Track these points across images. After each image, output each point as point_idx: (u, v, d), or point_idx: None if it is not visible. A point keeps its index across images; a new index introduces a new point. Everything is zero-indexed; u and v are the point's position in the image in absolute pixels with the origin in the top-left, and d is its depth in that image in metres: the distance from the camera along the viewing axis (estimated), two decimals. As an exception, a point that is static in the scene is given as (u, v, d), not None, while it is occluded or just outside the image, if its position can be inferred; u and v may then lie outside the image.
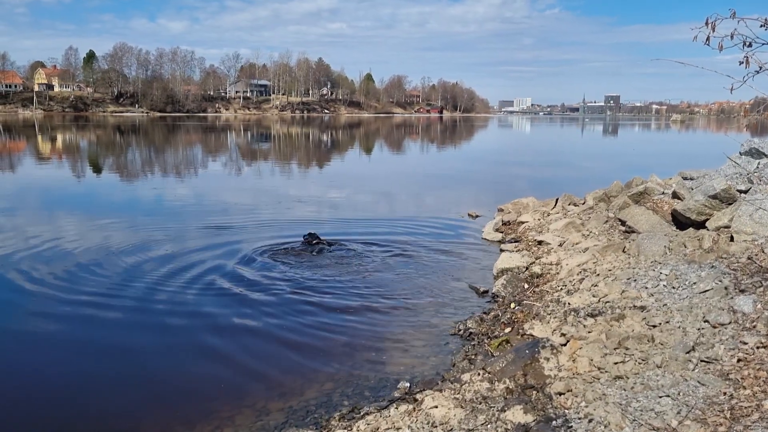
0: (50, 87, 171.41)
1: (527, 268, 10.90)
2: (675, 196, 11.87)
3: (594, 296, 8.15)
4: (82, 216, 16.86)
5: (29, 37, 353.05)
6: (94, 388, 6.81)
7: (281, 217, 16.64)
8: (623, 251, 9.84)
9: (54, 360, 7.56)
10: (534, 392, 5.67)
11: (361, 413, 5.99)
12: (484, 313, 9.07)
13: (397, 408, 5.88)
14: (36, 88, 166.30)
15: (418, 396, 6.13)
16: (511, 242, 13.37)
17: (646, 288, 7.79)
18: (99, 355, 7.70)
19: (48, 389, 6.77)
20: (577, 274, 9.51)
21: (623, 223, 11.63)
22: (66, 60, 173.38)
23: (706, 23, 5.33)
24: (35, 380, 6.99)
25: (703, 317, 6.44)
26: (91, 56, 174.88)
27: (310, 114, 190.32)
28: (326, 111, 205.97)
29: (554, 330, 7.32)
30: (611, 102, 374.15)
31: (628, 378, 5.58)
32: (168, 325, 8.62)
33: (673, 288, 7.52)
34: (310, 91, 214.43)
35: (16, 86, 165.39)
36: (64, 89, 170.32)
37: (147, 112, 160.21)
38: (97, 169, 32.40)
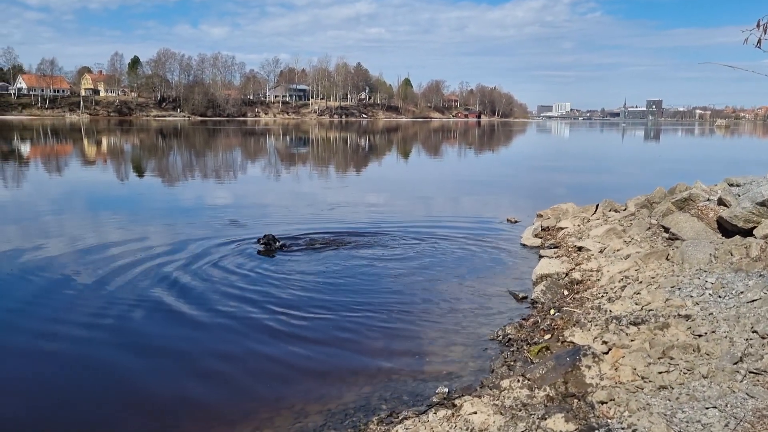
0: (96, 92, 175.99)
1: (567, 275, 10.76)
2: (721, 202, 11.57)
3: (636, 304, 8.00)
4: (123, 216, 17.22)
5: (77, 44, 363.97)
6: (141, 386, 6.93)
7: (319, 219, 16.72)
8: (667, 259, 9.63)
9: (108, 351, 7.74)
10: (575, 400, 5.59)
11: (400, 417, 5.98)
12: (523, 319, 8.98)
13: (435, 413, 5.86)
14: (83, 93, 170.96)
15: (456, 401, 6.10)
16: (551, 248, 13.22)
17: (691, 296, 7.62)
18: (144, 352, 7.84)
19: (99, 379, 6.94)
20: (619, 282, 9.35)
21: (667, 230, 11.39)
22: (111, 65, 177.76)
23: (758, 25, 5.21)
24: (105, 372, 7.17)
25: (752, 327, 6.26)
26: (135, 62, 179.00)
27: (348, 118, 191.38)
28: (364, 115, 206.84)
29: (595, 338, 7.20)
30: (653, 107, 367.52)
31: (673, 388, 5.45)
32: (207, 325, 8.74)
33: (719, 297, 7.33)
34: (349, 96, 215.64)
35: (63, 91, 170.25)
36: (110, 94, 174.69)
37: (188, 117, 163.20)
38: (140, 172, 33.13)
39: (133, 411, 6.35)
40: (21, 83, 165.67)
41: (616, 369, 6.01)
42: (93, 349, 7.93)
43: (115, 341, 8.19)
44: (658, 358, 6.04)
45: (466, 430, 5.37)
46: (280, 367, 7.39)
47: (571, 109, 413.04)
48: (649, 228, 12.06)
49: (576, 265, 11.28)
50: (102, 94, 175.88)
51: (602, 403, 5.40)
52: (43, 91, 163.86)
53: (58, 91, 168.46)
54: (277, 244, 13.16)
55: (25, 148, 50.85)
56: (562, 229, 14.83)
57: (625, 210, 14.78)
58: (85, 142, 62.33)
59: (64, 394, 6.77)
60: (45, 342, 8.10)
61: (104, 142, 62.91)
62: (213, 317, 9.07)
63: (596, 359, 6.24)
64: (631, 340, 6.72)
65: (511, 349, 7.79)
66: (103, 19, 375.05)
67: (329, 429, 5.90)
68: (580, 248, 12.39)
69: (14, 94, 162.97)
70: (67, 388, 6.92)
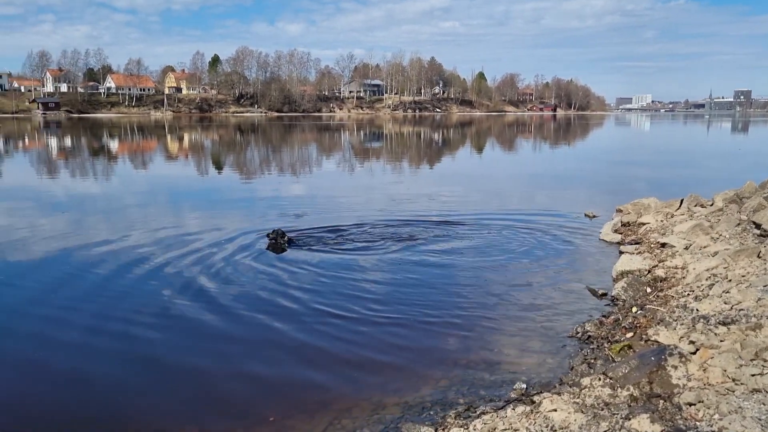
0: (179, 90, 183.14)
1: (649, 272, 10.40)
2: (819, 197, 10.91)
3: (726, 303, 7.65)
4: (199, 208, 17.81)
5: (161, 44, 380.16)
6: (219, 375, 7.16)
7: (391, 210, 16.78)
8: (758, 256, 9.16)
9: (176, 338, 8.05)
10: (661, 401, 5.41)
11: (477, 412, 5.94)
12: (603, 316, 8.75)
13: (514, 409, 5.79)
14: (166, 91, 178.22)
15: (535, 398, 6.01)
16: (632, 244, 12.81)
17: (787, 296, 7.22)
18: (223, 340, 8.09)
19: (161, 367, 7.23)
20: (706, 280, 8.96)
21: (758, 226, 10.82)
22: (193, 64, 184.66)
23: None
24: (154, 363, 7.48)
25: None
26: (215, 60, 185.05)
27: (421, 113, 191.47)
28: (438, 110, 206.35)
29: (681, 337, 6.93)
30: (741, 97, 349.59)
31: (767, 392, 5.19)
32: (283, 314, 8.93)
33: (819, 297, 6.92)
34: (422, 90, 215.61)
35: (149, 89, 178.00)
36: (191, 91, 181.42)
37: (265, 112, 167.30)
38: (218, 166, 34.24)
39: (213, 401, 6.55)
40: (110, 83, 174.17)
41: (704, 370, 5.77)
42: (177, 334, 8.27)
43: (187, 328, 8.50)
44: (751, 360, 5.76)
45: (546, 427, 5.28)
46: (356, 358, 7.47)
47: (652, 101, 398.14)
48: (739, 224, 11.49)
49: (659, 261, 10.89)
50: (184, 91, 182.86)
51: (690, 404, 5.20)
52: (129, 89, 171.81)
53: (143, 89, 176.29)
54: (285, 238, 13.13)
55: (113, 144, 53.40)
56: (643, 224, 14.34)
57: (712, 205, 14.13)
58: (168, 138, 64.91)
59: (148, 381, 7.08)
60: (111, 324, 8.49)
61: (186, 138, 65.32)
62: (289, 306, 9.26)
63: (683, 359, 6.01)
64: (721, 341, 6.43)
65: (591, 347, 7.61)
66: (185, 19, 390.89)
67: (407, 421, 5.93)
68: (663, 244, 11.95)
69: (104, 93, 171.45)
70: (150, 374, 7.23)
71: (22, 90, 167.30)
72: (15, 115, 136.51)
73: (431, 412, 6.11)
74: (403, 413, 6.13)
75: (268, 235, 13.26)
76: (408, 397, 6.45)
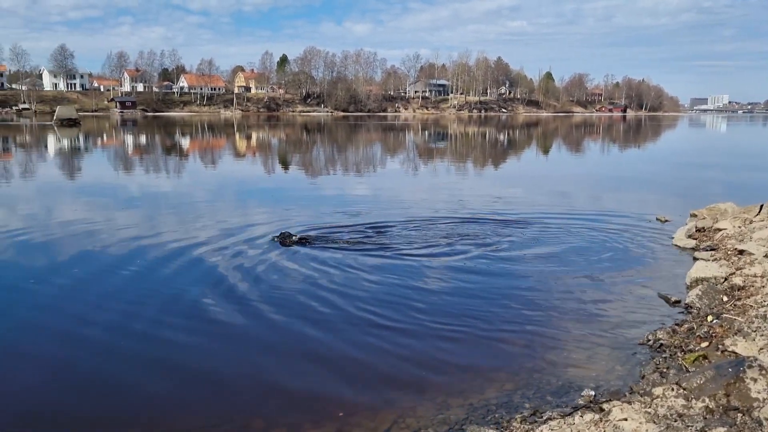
0: (248, 89, 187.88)
1: (726, 279, 9.99)
2: None
3: (810, 315, 7.28)
4: (263, 205, 18.17)
5: (232, 44, 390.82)
6: (281, 373, 7.29)
7: (456, 209, 16.69)
8: None
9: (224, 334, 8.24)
10: (739, 415, 5.19)
11: (544, 418, 5.85)
12: (677, 324, 8.46)
13: (582, 416, 5.67)
14: (236, 91, 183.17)
15: (604, 406, 5.87)
16: (707, 250, 12.33)
17: None
18: (283, 336, 8.24)
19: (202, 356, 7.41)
20: (789, 289, 8.55)
21: None
22: (262, 64, 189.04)
23: None
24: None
25: None
26: (283, 60, 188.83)
27: (487, 113, 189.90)
28: (504, 110, 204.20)
29: (762, 348, 6.63)
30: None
31: None
32: (347, 313, 9.00)
33: None
34: (488, 91, 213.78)
35: (219, 89, 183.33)
36: (260, 91, 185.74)
37: (331, 112, 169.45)
38: (285, 164, 34.89)
39: (282, 395, 6.66)
40: (183, 82, 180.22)
41: (786, 384, 5.51)
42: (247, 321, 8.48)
43: (245, 321, 8.69)
44: (838, 376, 5.46)
45: (616, 436, 5.15)
46: (421, 358, 7.47)
47: (729, 102, 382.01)
48: (825, 232, 10.91)
49: (737, 269, 10.44)
50: (253, 91, 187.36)
51: (771, 419, 4.97)
52: (201, 89, 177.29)
53: (214, 89, 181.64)
54: (293, 238, 13.11)
55: (185, 142, 55.18)
56: (719, 230, 13.78)
57: (795, 211, 13.47)
58: (237, 136, 66.56)
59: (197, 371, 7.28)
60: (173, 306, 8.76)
61: (253, 136, 66.85)
62: (351, 305, 9.33)
63: (763, 372, 5.75)
64: (805, 354, 6.13)
65: (663, 356, 7.36)
66: (255, 20, 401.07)
67: (471, 423, 5.89)
68: (741, 251, 11.45)
69: (177, 92, 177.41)
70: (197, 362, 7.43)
71: (102, 89, 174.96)
72: (95, 113, 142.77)
73: (496, 415, 6.05)
74: (467, 415, 6.10)
75: (274, 239, 13.27)
76: (473, 399, 6.41)
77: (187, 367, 7.32)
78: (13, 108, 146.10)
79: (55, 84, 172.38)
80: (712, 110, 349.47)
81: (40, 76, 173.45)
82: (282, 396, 6.60)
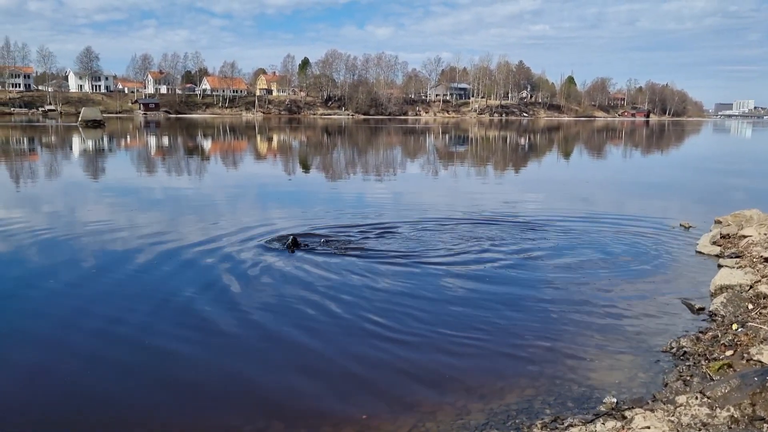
0: (269, 92, 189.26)
1: (751, 287, 9.84)
2: None
3: (839, 324, 7.14)
4: (280, 206, 18.25)
5: (254, 47, 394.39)
6: (306, 370, 7.32)
7: (475, 212, 16.63)
8: None
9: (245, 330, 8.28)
10: (765, 425, 5.11)
11: (565, 424, 5.80)
12: (701, 332, 8.34)
13: (603, 423, 5.62)
14: (257, 93, 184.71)
15: (626, 413, 5.80)
16: (732, 257, 12.15)
17: None
18: (305, 336, 8.26)
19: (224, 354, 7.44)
20: (816, 298, 8.39)
21: None
22: (284, 67, 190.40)
23: None
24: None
25: None
26: (305, 63, 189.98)
27: (508, 117, 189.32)
28: (525, 114, 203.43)
29: (788, 358, 6.52)
30: None
31: None
32: (369, 318, 8.99)
33: None
34: (509, 94, 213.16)
35: (241, 91, 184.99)
36: (281, 93, 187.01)
37: (352, 115, 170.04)
38: (306, 167, 35.02)
39: (291, 399, 6.68)
40: (205, 84, 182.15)
41: (814, 394, 5.41)
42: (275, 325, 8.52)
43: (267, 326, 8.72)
44: None
45: (638, 444, 5.09)
46: (441, 363, 7.44)
47: (755, 107, 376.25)
48: None
49: (762, 277, 10.28)
50: (274, 93, 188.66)
51: (798, 430, 4.89)
52: (223, 91, 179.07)
53: (236, 91, 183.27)
54: (289, 241, 12.87)
55: (206, 144, 55.63)
56: (745, 237, 13.57)
57: (822, 219, 13.23)
58: (258, 138, 66.99)
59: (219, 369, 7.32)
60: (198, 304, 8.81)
61: (275, 138, 67.24)
62: (371, 310, 9.33)
63: (790, 382, 5.66)
64: (833, 364, 6.01)
65: (687, 363, 7.27)
66: (278, 23, 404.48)
67: (491, 428, 5.86)
68: (767, 259, 11.28)
69: (200, 94, 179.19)
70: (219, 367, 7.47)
71: (126, 91, 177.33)
72: (119, 115, 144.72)
73: (517, 421, 6.01)
74: (488, 419, 6.06)
75: (286, 243, 12.94)
76: (493, 404, 6.37)
77: (228, 369, 7.37)
78: (40, 109, 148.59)
79: (81, 86, 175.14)
80: (737, 115, 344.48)
81: (65, 78, 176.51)
82: (302, 399, 6.61)
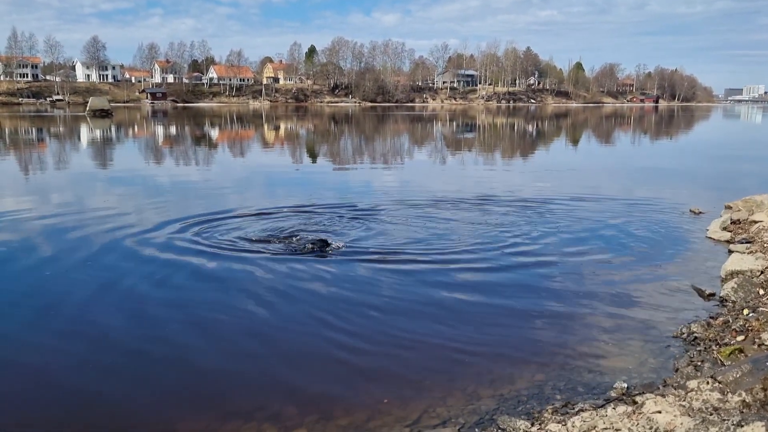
0: (276, 80, 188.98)
1: (762, 272, 9.79)
2: None
3: None
4: (290, 195, 18.25)
5: (260, 35, 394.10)
6: (317, 358, 7.35)
7: (487, 199, 16.59)
8: None
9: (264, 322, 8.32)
10: (777, 409, 5.10)
11: (576, 409, 5.81)
12: (711, 317, 8.32)
13: (614, 408, 5.62)
14: (264, 81, 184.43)
15: (637, 398, 5.80)
16: (743, 243, 12.09)
17: None
18: (315, 326, 8.29)
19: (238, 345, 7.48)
20: (828, 283, 8.35)
21: None
22: (290, 55, 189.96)
23: None
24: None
25: None
26: (312, 51, 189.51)
27: (516, 104, 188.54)
28: (533, 101, 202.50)
29: (800, 343, 6.50)
30: None
31: None
32: (378, 305, 9.01)
33: None
34: (517, 81, 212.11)
35: (248, 80, 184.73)
36: (288, 81, 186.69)
37: (359, 102, 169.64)
38: (313, 156, 35.02)
39: (302, 387, 6.71)
40: (212, 73, 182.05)
41: (827, 379, 5.39)
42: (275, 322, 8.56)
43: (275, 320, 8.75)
44: None
45: (650, 429, 5.09)
46: (450, 349, 7.44)
47: (765, 92, 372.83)
48: None
49: (774, 262, 10.22)
50: (281, 82, 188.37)
51: (810, 414, 4.87)
52: (230, 80, 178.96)
53: (243, 80, 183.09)
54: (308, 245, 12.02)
55: (213, 133, 55.70)
56: (756, 222, 13.49)
57: (834, 204, 13.13)
58: (265, 127, 66.95)
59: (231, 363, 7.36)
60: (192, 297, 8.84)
61: (282, 127, 67.22)
62: (383, 296, 9.35)
63: (802, 366, 5.64)
64: None
65: (698, 349, 7.25)
66: (284, 11, 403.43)
67: (502, 413, 5.87)
68: (778, 244, 11.22)
69: (206, 83, 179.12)
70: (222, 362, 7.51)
71: (133, 81, 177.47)
72: (126, 104, 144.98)
73: (527, 406, 6.02)
74: (498, 405, 6.08)
75: (312, 245, 11.97)
76: (503, 390, 6.38)
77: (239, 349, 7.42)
78: (47, 99, 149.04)
79: (88, 75, 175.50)
80: (747, 101, 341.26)
81: (73, 68, 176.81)
82: (314, 384, 6.63)
